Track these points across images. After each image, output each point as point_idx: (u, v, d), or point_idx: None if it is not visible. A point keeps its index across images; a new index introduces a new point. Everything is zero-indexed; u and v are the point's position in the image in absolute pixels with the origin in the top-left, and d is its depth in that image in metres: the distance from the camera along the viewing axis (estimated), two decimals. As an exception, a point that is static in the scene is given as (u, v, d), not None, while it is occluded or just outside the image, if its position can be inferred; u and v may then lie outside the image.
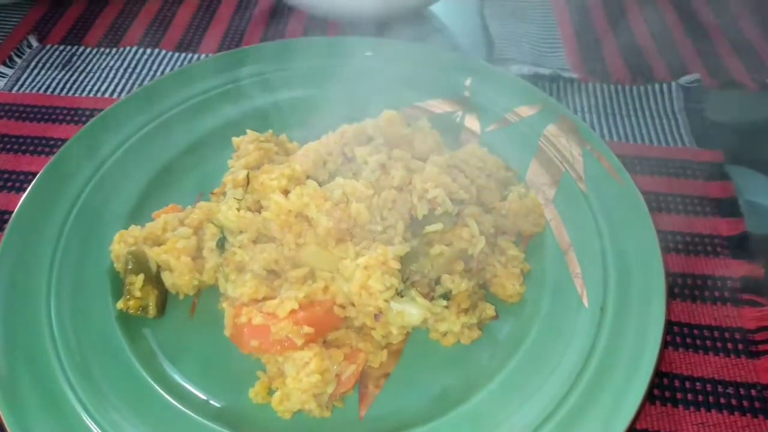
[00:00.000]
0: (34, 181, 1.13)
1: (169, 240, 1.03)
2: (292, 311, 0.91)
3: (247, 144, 1.16)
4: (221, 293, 1.02)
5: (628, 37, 1.66)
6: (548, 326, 0.99)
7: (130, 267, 1.01)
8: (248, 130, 1.19)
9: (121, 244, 1.04)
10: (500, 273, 1.04)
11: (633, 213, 1.09)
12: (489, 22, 1.69)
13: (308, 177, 1.05)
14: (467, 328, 0.98)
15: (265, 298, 0.96)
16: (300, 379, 0.88)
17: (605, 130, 1.40)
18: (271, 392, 0.93)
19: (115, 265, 1.05)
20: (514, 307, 1.04)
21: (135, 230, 1.06)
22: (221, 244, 1.03)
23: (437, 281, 0.97)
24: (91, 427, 0.86)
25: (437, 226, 1.00)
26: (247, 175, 1.05)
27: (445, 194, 1.01)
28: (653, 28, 1.68)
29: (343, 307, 0.96)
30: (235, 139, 1.18)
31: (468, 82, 1.35)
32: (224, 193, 1.09)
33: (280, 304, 0.92)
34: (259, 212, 1.03)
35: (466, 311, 0.97)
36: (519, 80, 1.36)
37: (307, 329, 0.91)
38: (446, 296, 0.96)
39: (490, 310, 1.00)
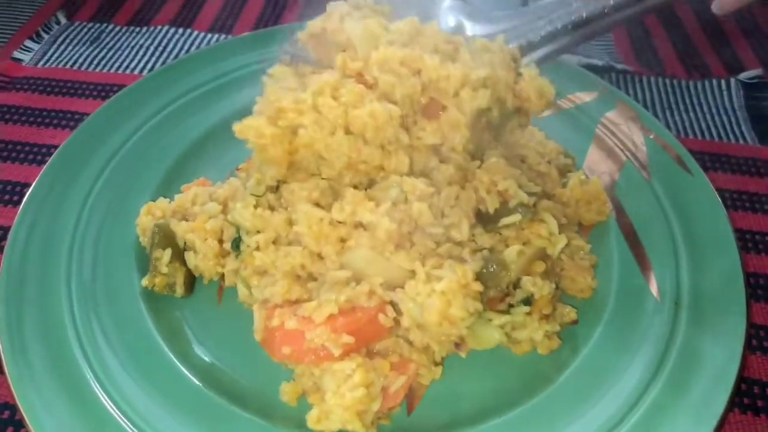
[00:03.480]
0: (57, 151, 1.06)
1: (198, 217, 0.94)
2: (331, 316, 0.78)
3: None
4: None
5: (679, 31, 1.58)
6: (617, 322, 0.90)
7: (156, 241, 0.93)
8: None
9: (149, 216, 0.96)
10: (568, 266, 0.93)
11: (703, 203, 1.01)
12: (534, 10, 1.62)
13: None
14: (547, 337, 0.86)
15: (298, 300, 0.83)
16: (342, 395, 0.75)
17: (662, 125, 1.31)
18: (299, 400, 0.82)
19: (141, 239, 0.97)
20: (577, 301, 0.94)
21: (163, 203, 0.98)
22: (236, 245, 0.91)
23: (516, 284, 0.85)
24: (112, 411, 0.78)
25: (515, 218, 0.87)
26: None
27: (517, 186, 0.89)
28: (704, 22, 1.60)
29: (388, 316, 0.81)
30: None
31: (518, 66, 1.27)
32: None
33: (317, 307, 0.79)
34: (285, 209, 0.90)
35: (547, 317, 0.86)
36: (574, 66, 1.28)
37: (346, 338, 0.78)
38: (527, 301, 0.85)
39: (571, 314, 0.89)
